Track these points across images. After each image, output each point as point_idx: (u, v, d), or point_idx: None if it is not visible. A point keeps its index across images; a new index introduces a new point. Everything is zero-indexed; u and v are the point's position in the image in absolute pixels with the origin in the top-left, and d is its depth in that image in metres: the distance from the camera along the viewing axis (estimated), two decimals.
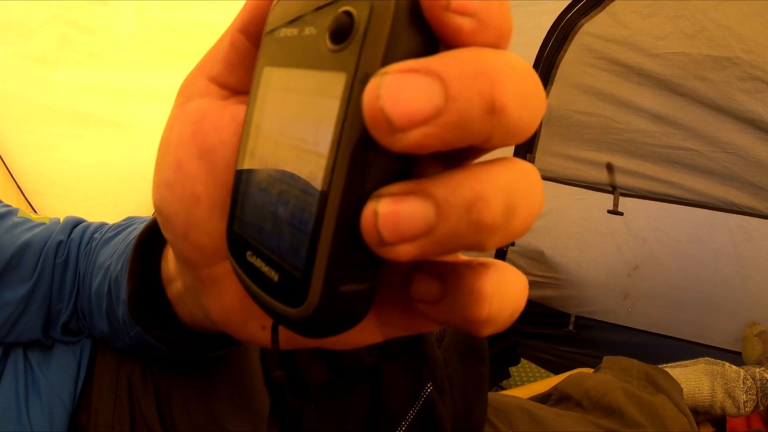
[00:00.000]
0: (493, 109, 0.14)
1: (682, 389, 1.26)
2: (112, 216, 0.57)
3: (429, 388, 0.57)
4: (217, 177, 0.22)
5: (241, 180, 0.21)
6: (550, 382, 1.52)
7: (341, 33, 0.16)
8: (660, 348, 1.65)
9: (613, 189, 1.62)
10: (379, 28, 0.15)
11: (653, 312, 1.67)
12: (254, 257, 0.20)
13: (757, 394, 1.32)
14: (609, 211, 1.63)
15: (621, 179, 1.60)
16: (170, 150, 0.23)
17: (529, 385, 1.52)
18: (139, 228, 0.42)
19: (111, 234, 0.48)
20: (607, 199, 1.63)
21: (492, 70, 0.14)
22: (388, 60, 0.15)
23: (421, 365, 0.58)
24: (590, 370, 1.50)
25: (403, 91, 0.14)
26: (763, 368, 1.39)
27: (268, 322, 0.25)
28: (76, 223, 0.51)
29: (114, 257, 0.43)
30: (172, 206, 0.23)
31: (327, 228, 0.16)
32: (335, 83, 0.16)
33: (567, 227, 1.71)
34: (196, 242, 0.23)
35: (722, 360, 1.38)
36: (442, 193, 0.15)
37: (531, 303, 1.78)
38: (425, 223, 0.15)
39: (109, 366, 0.47)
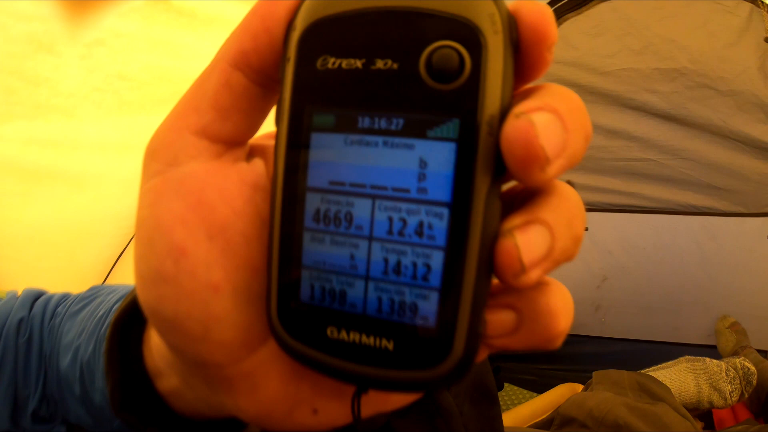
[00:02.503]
0: (587, 137, 0.16)
1: (671, 392, 1.29)
2: (67, 275, 0.52)
3: None
4: (237, 256, 0.19)
5: (291, 246, 0.18)
6: (534, 402, 1.52)
7: (448, 71, 0.16)
8: (636, 353, 1.69)
9: None
10: (495, 65, 0.15)
11: (626, 320, 1.71)
12: (342, 332, 0.17)
13: (741, 383, 1.37)
14: None
15: (582, 195, 1.58)
16: (163, 234, 0.18)
17: (515, 409, 1.51)
18: (107, 301, 0.38)
19: (76, 308, 0.42)
20: None
21: (580, 104, 0.16)
22: (504, 99, 0.16)
23: (434, 417, 0.55)
24: (575, 385, 1.52)
25: (548, 129, 0.15)
26: (741, 357, 1.44)
27: (321, 403, 0.22)
28: (36, 296, 0.45)
29: (83, 337, 0.37)
30: (180, 306, 0.18)
31: (468, 273, 0.16)
32: (445, 124, 0.16)
33: None
34: (221, 341, 0.19)
35: (700, 356, 1.43)
36: (551, 217, 0.16)
37: None
38: (546, 246, 0.16)
39: None
